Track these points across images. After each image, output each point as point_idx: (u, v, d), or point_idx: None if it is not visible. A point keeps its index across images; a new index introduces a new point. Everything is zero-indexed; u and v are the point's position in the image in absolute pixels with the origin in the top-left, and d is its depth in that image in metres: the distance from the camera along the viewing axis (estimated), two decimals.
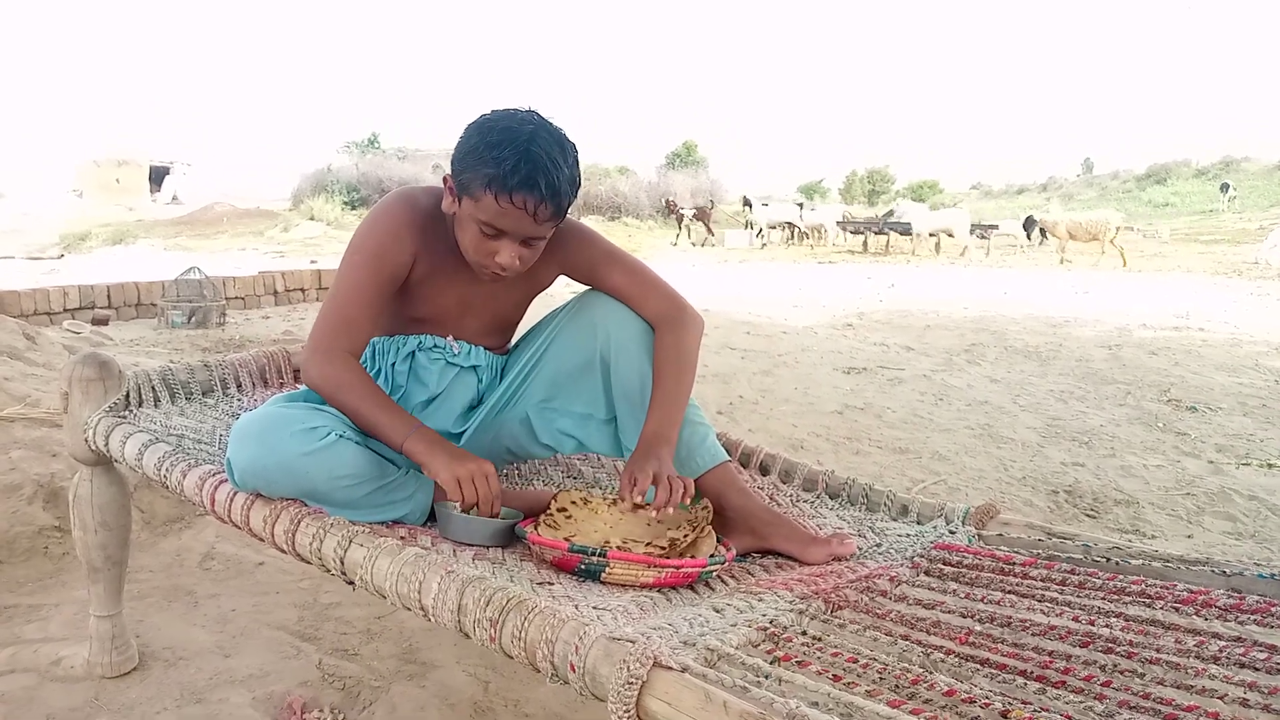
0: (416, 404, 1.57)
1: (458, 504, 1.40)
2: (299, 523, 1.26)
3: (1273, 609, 1.18)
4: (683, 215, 24.17)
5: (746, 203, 25.20)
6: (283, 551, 1.28)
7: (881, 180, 51.33)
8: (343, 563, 1.19)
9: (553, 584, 1.23)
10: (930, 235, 19.73)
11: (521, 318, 1.66)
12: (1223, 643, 1.10)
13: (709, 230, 23.82)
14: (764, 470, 1.83)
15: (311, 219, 23.07)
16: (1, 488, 2.27)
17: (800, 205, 24.45)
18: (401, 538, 1.30)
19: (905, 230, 20.29)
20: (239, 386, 1.84)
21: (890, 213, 21.91)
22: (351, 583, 1.19)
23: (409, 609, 1.12)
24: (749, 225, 23.73)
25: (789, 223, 23.21)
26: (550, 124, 1.38)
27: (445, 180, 1.43)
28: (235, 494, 1.32)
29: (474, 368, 1.60)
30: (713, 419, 4.03)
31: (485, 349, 1.61)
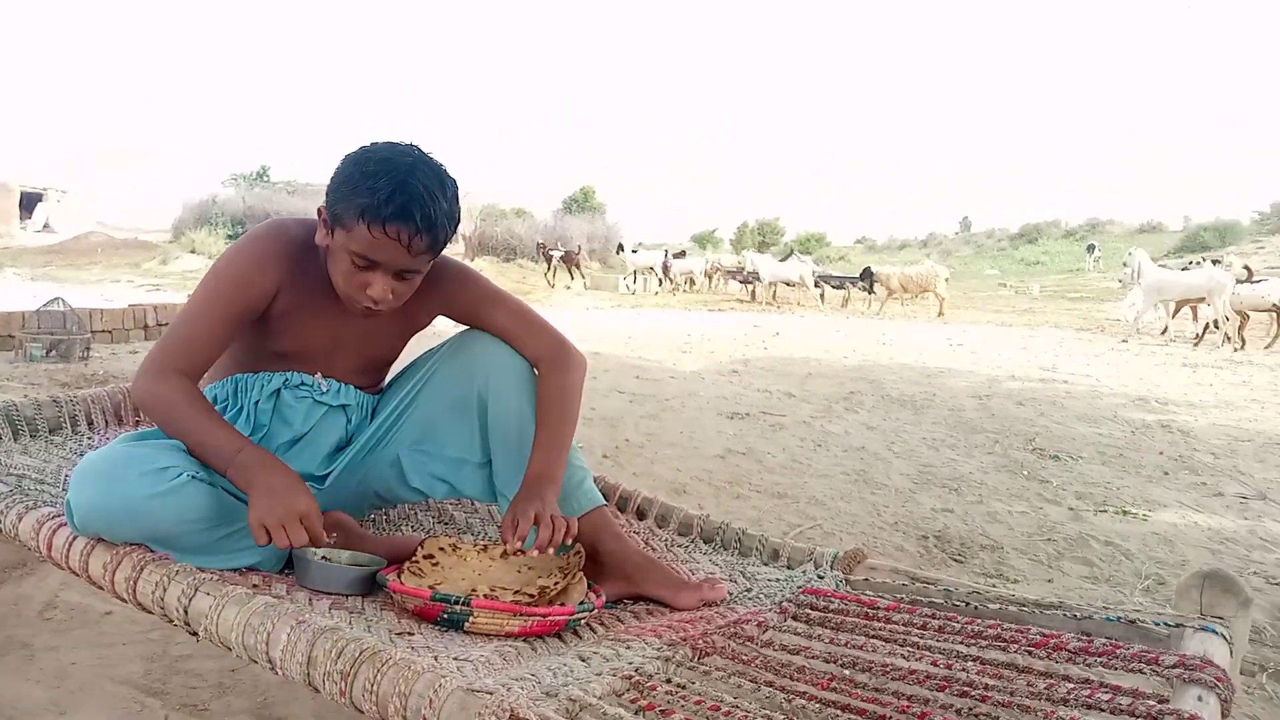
0: (280, 444, 1.51)
1: (318, 550, 1.35)
2: (142, 569, 1.18)
3: (1118, 651, 1.23)
4: (551, 257, 24.84)
5: (619, 249, 26.36)
6: (124, 601, 1.21)
7: (771, 232, 52.70)
8: (186, 613, 1.13)
9: (413, 634, 1.19)
10: (771, 284, 20.70)
11: (396, 357, 1.62)
12: (1071, 684, 1.13)
13: (574, 274, 24.57)
14: (640, 515, 1.83)
15: (192, 251, 22.25)
16: None
17: (666, 252, 25.34)
18: (254, 585, 1.24)
19: (749, 280, 21.34)
20: (90, 424, 1.75)
21: (740, 265, 22.97)
22: (195, 634, 1.12)
23: (256, 662, 1.06)
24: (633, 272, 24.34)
25: (651, 268, 24.03)
26: (430, 158, 1.36)
27: (319, 211, 1.39)
28: (75, 538, 1.24)
29: (343, 407, 1.55)
30: (598, 462, 4.04)
31: (356, 388, 1.56)
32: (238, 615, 1.08)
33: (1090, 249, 33.95)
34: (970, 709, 1.09)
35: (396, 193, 1.29)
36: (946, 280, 18.49)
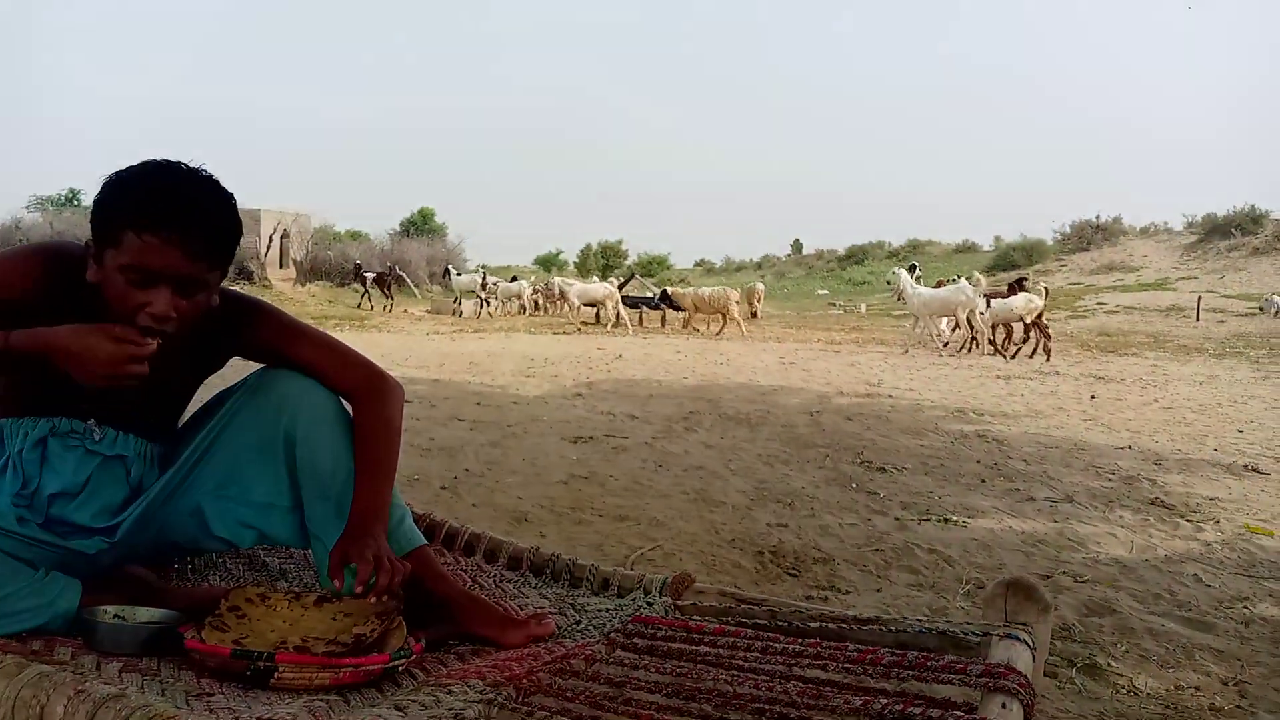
0: (52, 496, 1.35)
1: (109, 609, 1.25)
2: None
3: (929, 663, 1.28)
4: (365, 278, 24.96)
5: (445, 273, 26.77)
6: None
7: (614, 255, 53.34)
8: None
9: (212, 695, 1.11)
10: (583, 306, 21.35)
11: (188, 401, 1.51)
12: (886, 699, 1.17)
13: (388, 296, 24.82)
14: (469, 550, 1.79)
15: None
16: None
17: (483, 273, 25.76)
18: (34, 652, 1.13)
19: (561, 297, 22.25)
20: None
21: (556, 285, 23.85)
22: None
23: None
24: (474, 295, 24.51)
25: (473, 291, 24.36)
26: (198, 169, 1.31)
27: (87, 245, 1.29)
28: None
29: (120, 457, 1.42)
30: (435, 494, 3.95)
31: (137, 436, 1.44)
32: (6, 689, 0.98)
33: (911, 269, 35.95)
34: None
35: (163, 193, 1.23)
36: (738, 302, 19.50)
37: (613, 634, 1.43)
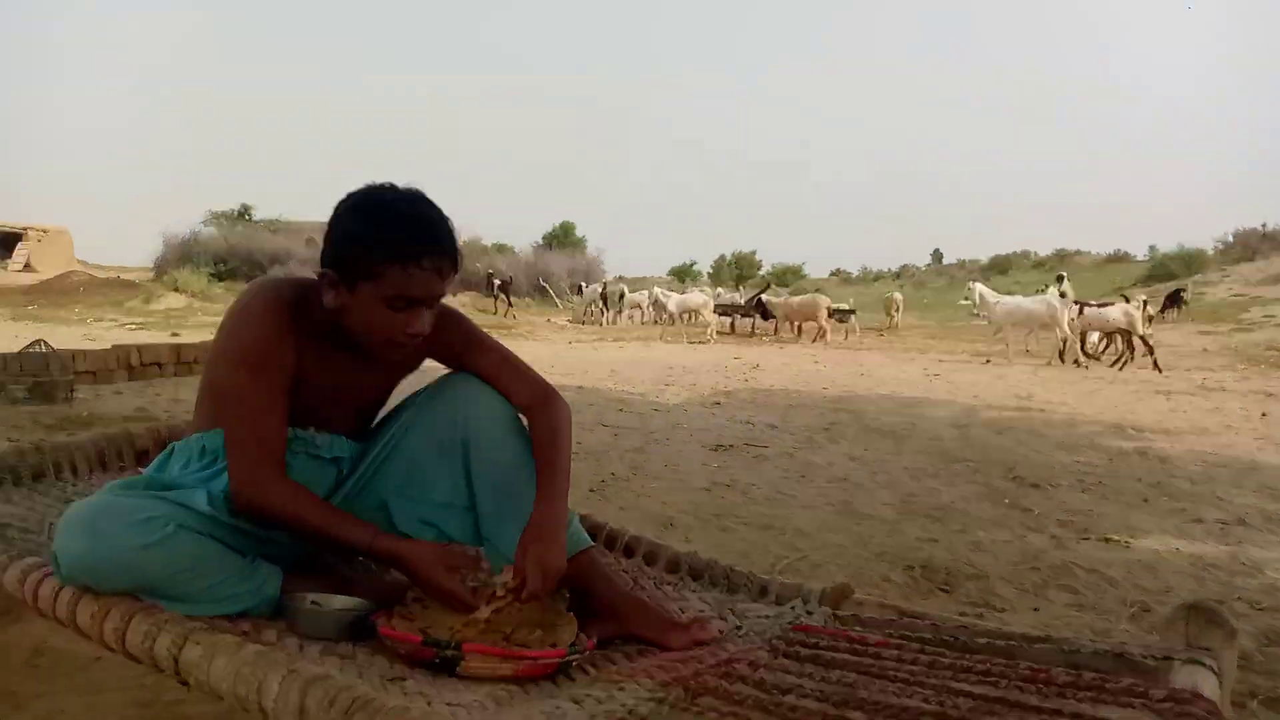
0: None
1: (308, 595, 1.34)
2: (130, 619, 1.18)
3: (1106, 684, 1.24)
4: (494, 285, 26.39)
5: (578, 289, 27.93)
6: (112, 650, 1.20)
7: (748, 265, 53.14)
8: (177, 662, 1.12)
9: (405, 680, 1.19)
10: (681, 315, 22.06)
11: (385, 402, 1.63)
12: (1063, 719, 1.14)
13: (509, 304, 25.91)
14: (628, 552, 1.83)
15: (176, 290, 22.14)
16: None
17: (604, 287, 26.73)
18: (244, 632, 1.23)
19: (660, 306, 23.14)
20: (74, 471, 1.74)
21: (655, 298, 24.48)
22: (186, 683, 1.11)
23: (249, 711, 1.06)
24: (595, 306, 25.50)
25: (594, 303, 25.37)
26: (421, 192, 1.40)
27: (323, 276, 1.38)
28: (62, 589, 1.23)
29: (336, 459, 1.55)
30: (584, 497, 4.04)
31: (347, 438, 1.56)
32: (228, 665, 1.07)
33: (1060, 279, 34.39)
34: None
35: (419, 227, 1.33)
36: (829, 309, 19.75)
37: (775, 641, 1.44)
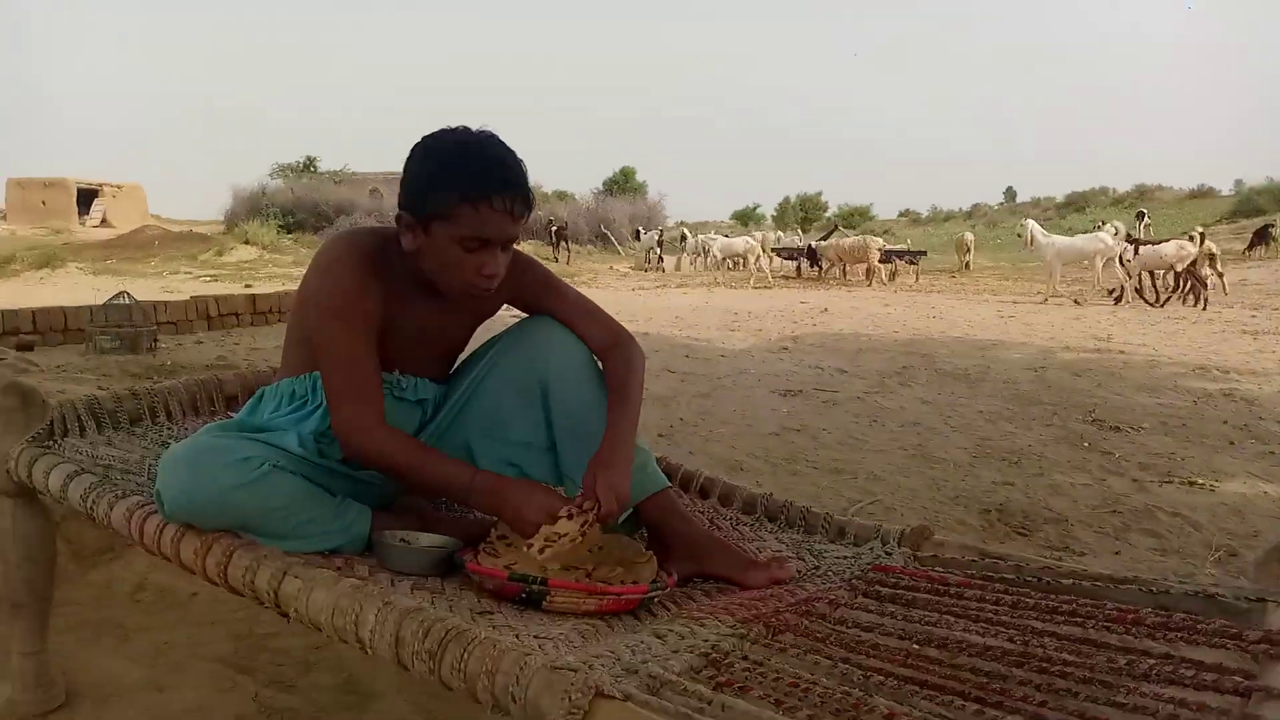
0: None
1: (396, 533, 1.38)
2: (231, 555, 1.22)
3: (1198, 625, 1.21)
4: (551, 232, 26.11)
5: (636, 235, 27.63)
6: (215, 584, 1.25)
7: (814, 207, 52.29)
8: (277, 595, 1.16)
9: (493, 613, 1.22)
10: (725, 260, 21.63)
11: (465, 345, 1.65)
12: (1152, 660, 1.12)
13: (565, 248, 25.78)
14: (704, 494, 1.84)
15: (246, 243, 22.61)
16: None
17: (661, 233, 26.34)
18: (338, 568, 1.28)
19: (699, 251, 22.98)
20: (169, 415, 1.80)
21: (693, 239, 24.34)
22: (286, 615, 1.16)
23: (346, 642, 1.10)
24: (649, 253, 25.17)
25: (652, 249, 24.91)
26: (494, 134, 1.40)
27: (399, 219, 1.40)
28: (165, 526, 1.28)
29: (419, 401, 1.58)
30: (653, 442, 4.06)
31: (431, 380, 1.59)
32: (326, 597, 1.11)
33: (1140, 216, 33.10)
34: (1049, 685, 1.09)
35: (490, 166, 1.34)
36: (879, 250, 19.32)
37: (854, 581, 1.44)
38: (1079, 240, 15.46)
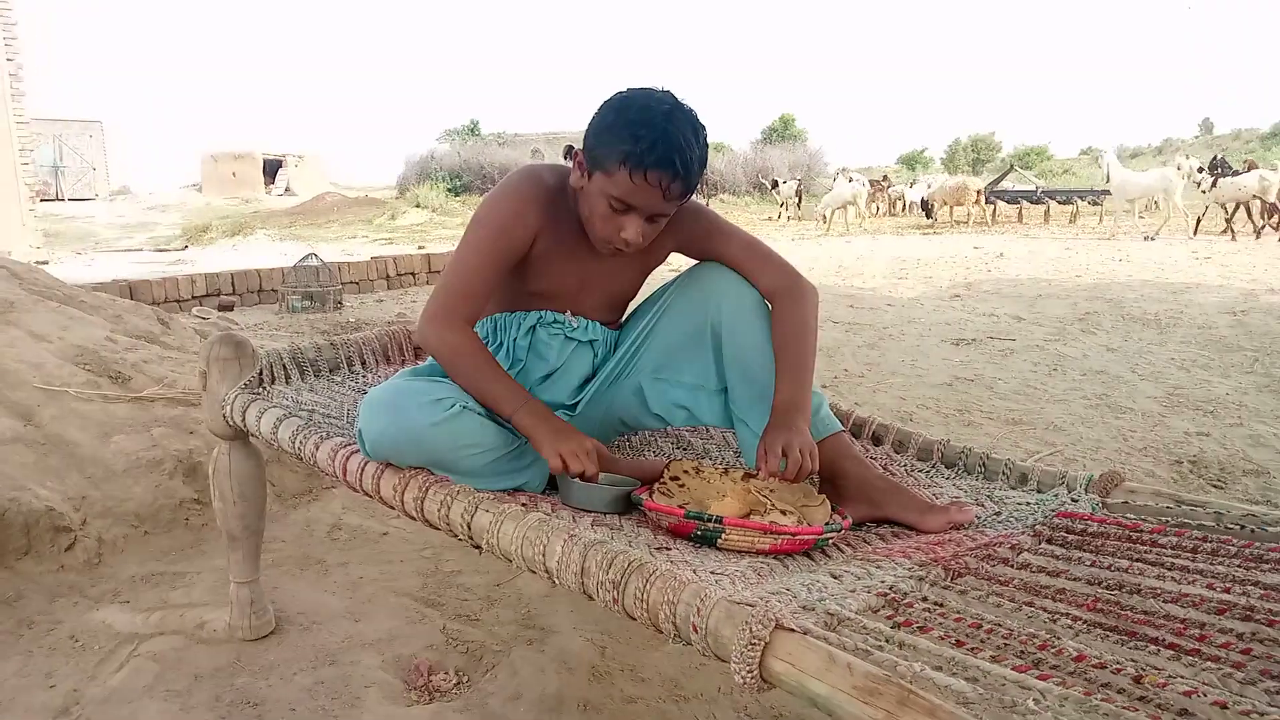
0: (535, 378, 1.61)
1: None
2: (427, 490, 1.31)
3: None
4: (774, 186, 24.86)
5: (773, 185, 25.96)
6: (412, 518, 1.34)
7: (987, 148, 49.71)
8: (469, 528, 1.24)
9: (670, 549, 1.25)
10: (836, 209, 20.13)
11: (636, 293, 1.69)
12: None
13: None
14: (876, 440, 1.82)
15: (417, 206, 23.60)
16: (145, 463, 2.41)
17: (800, 183, 25.24)
18: (523, 504, 1.34)
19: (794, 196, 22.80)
20: (363, 363, 1.92)
21: (793, 184, 23.60)
22: (479, 547, 1.23)
23: (534, 572, 1.15)
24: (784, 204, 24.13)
25: (789, 200, 23.88)
26: (684, 105, 1.41)
27: (574, 155, 1.46)
28: (366, 464, 1.38)
29: (590, 342, 1.63)
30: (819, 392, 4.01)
31: (601, 324, 1.64)
32: (516, 530, 1.17)
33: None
34: (1254, 634, 1.03)
35: (659, 142, 1.34)
36: (979, 191, 19.22)
37: (1038, 527, 1.40)
38: (1143, 176, 15.52)
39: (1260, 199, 13.68)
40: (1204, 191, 14.22)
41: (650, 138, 1.34)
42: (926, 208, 20.36)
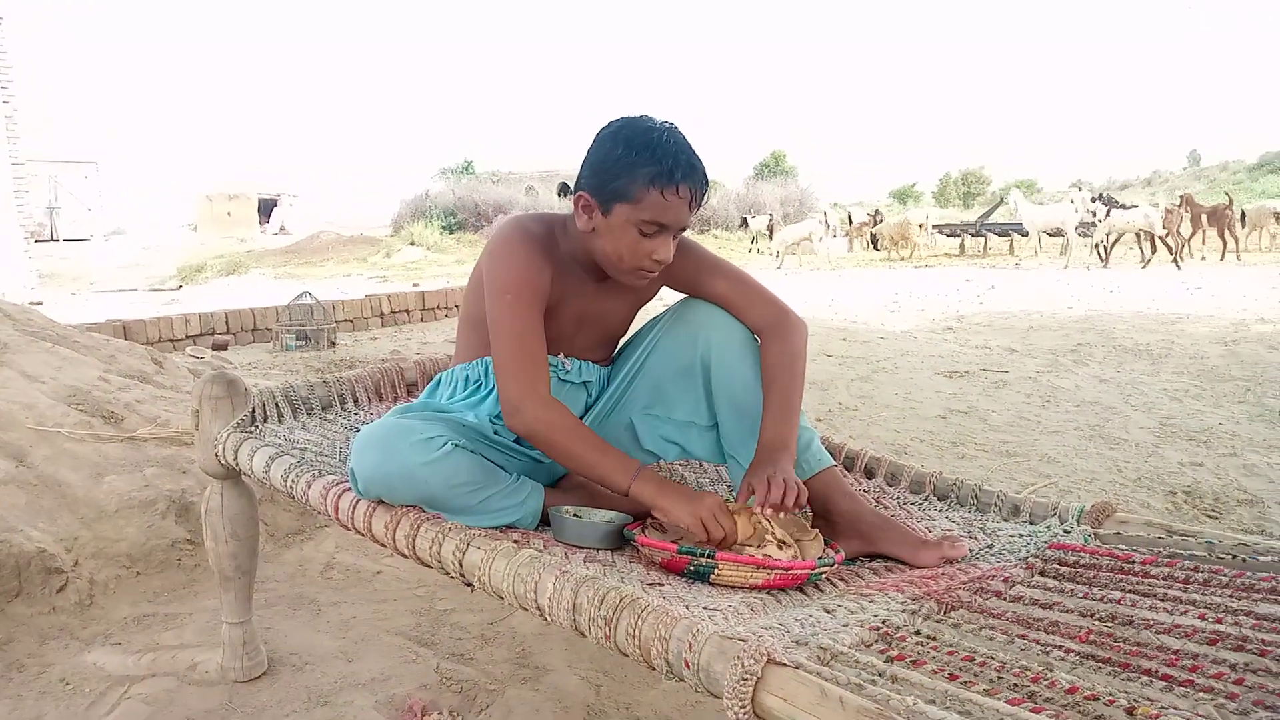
0: None
1: (569, 508, 1.44)
2: (419, 528, 1.31)
3: None
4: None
5: (744, 222, 26.60)
6: (404, 555, 1.33)
7: (976, 181, 50.11)
8: (461, 565, 1.23)
9: (663, 585, 1.25)
10: (792, 244, 20.46)
11: (628, 329, 1.69)
12: None
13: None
14: (869, 473, 1.82)
15: (412, 244, 23.67)
16: (137, 503, 2.40)
17: (771, 218, 25.18)
18: (515, 541, 1.33)
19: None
20: (356, 401, 1.92)
21: (763, 219, 24.32)
22: (470, 584, 1.23)
23: (525, 609, 1.15)
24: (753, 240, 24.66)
25: (761, 234, 24.36)
26: (667, 121, 1.45)
27: (578, 200, 1.46)
28: (358, 502, 1.38)
29: (584, 383, 1.63)
30: (811, 426, 4.01)
31: (593, 363, 1.65)
32: (507, 567, 1.17)
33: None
34: (1246, 664, 1.03)
35: (678, 156, 1.38)
36: (921, 226, 20.88)
37: (1030, 559, 1.40)
38: (1044, 210, 17.76)
39: (1146, 231, 15.45)
40: (1098, 223, 16.10)
41: (670, 154, 1.38)
42: (874, 242, 21.77)
